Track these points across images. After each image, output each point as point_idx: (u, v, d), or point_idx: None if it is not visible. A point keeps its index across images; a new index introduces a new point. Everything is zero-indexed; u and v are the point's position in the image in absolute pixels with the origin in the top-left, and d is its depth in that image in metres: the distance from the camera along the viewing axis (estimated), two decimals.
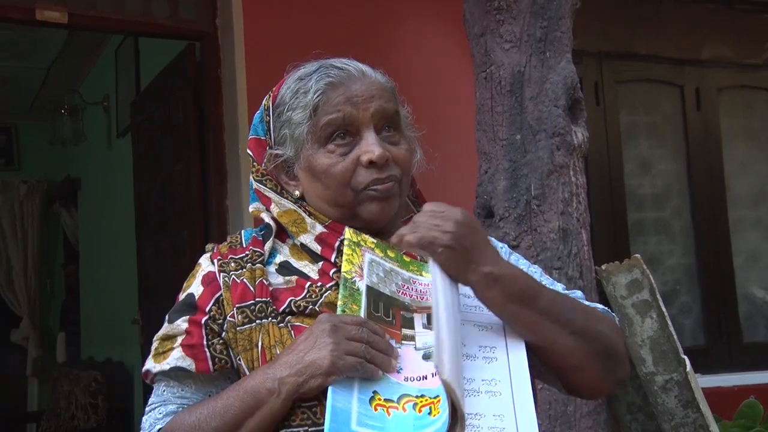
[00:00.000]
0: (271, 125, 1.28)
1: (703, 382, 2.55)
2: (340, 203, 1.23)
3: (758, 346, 4.53)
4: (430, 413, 1.04)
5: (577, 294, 1.30)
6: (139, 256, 4.43)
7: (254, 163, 1.30)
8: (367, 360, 1.06)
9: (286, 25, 3.62)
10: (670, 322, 2.41)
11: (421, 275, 1.21)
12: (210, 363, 1.17)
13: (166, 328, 1.22)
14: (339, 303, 1.13)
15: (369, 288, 1.15)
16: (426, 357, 1.11)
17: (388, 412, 1.05)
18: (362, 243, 1.19)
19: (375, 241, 1.21)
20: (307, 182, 1.25)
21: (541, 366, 1.19)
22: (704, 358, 4.05)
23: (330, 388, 1.05)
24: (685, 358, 2.39)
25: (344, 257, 1.16)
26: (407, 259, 1.22)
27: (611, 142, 4.35)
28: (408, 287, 1.19)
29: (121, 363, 5.36)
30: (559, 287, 1.29)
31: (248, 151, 1.31)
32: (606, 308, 1.30)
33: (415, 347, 1.13)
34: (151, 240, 4.28)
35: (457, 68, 3.66)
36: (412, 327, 1.14)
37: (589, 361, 1.17)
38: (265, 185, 1.29)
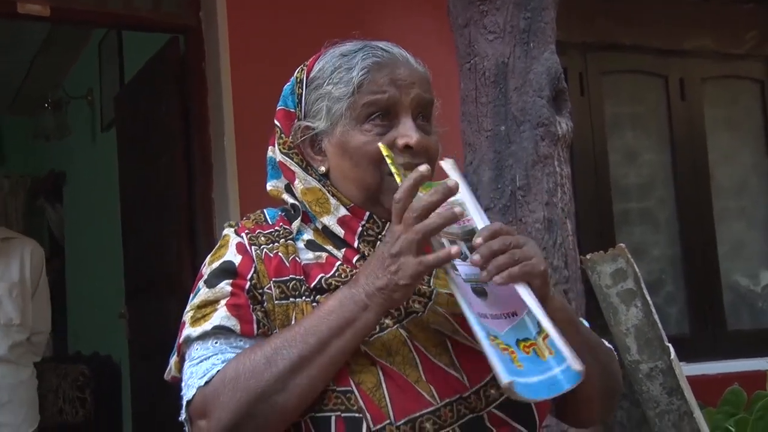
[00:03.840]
0: (303, 98, 1.25)
1: (687, 369, 2.57)
2: (365, 183, 1.19)
3: (742, 334, 4.57)
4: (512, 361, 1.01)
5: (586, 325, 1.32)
6: (125, 250, 4.41)
7: (281, 135, 1.26)
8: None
9: (270, 18, 3.61)
10: (654, 311, 2.43)
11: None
12: (255, 326, 1.13)
13: (205, 294, 1.15)
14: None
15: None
16: (475, 291, 1.07)
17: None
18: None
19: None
20: (335, 158, 1.22)
21: None
22: (689, 347, 4.08)
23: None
24: (669, 345, 2.41)
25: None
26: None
27: (596, 133, 4.37)
28: None
29: (109, 356, 5.35)
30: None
31: (276, 122, 1.27)
32: (611, 346, 1.33)
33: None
34: (136, 234, 4.26)
35: (441, 59, 3.64)
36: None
37: (601, 395, 1.22)
38: (292, 159, 1.25)
